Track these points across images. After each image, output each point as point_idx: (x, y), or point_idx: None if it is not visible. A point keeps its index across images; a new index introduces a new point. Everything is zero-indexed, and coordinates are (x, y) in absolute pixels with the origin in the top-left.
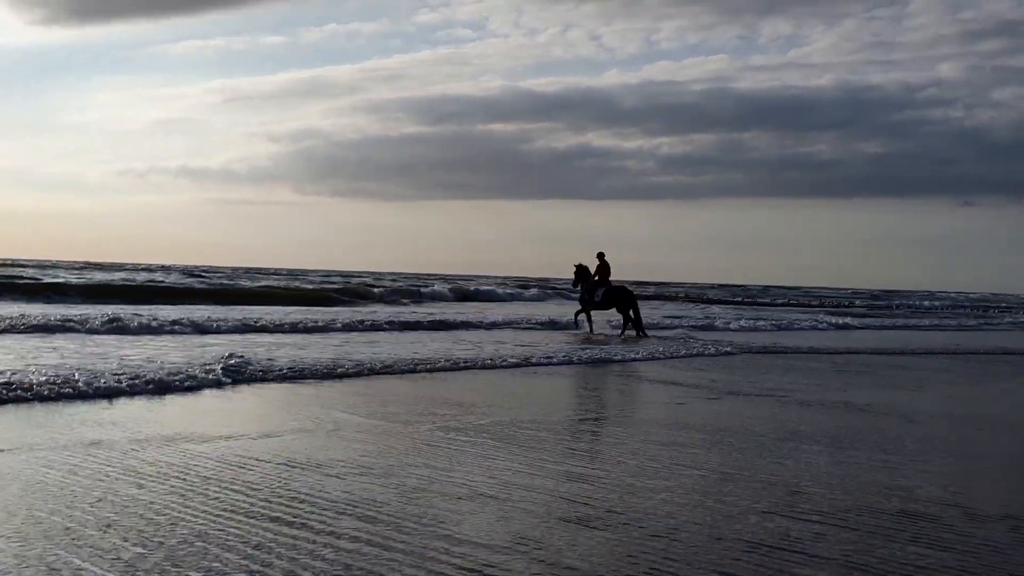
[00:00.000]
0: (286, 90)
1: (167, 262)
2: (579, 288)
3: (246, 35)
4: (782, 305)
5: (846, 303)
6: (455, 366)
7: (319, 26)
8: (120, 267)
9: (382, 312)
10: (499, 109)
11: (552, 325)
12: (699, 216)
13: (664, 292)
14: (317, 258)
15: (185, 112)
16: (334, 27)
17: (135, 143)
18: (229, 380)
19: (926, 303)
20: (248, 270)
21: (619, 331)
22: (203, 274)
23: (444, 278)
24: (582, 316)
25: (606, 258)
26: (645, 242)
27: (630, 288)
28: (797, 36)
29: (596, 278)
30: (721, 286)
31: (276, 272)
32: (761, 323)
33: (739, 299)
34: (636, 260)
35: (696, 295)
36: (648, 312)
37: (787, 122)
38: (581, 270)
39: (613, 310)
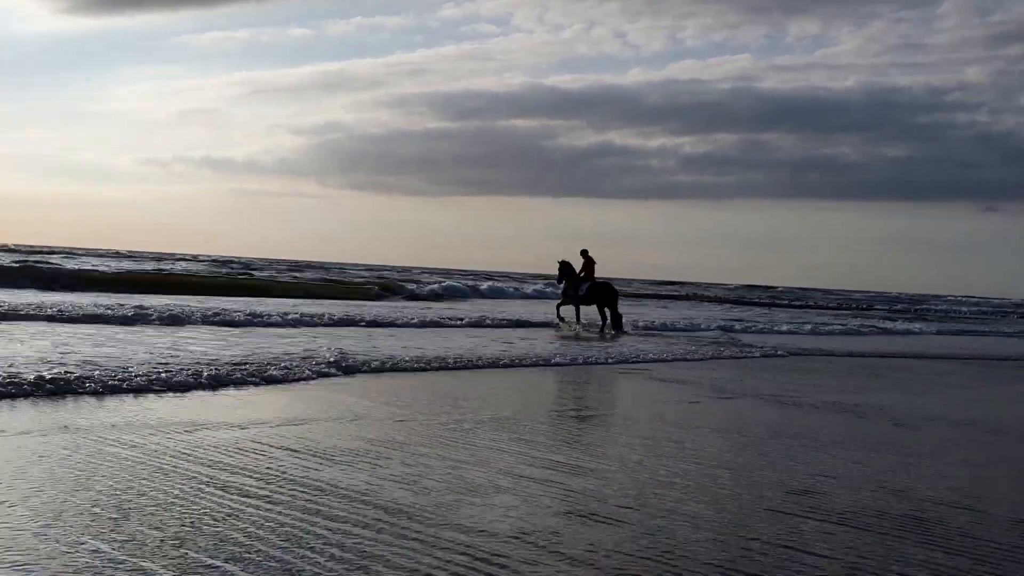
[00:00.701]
0: (310, 83)
1: (190, 252)
2: (563, 284)
3: (271, 27)
4: (814, 308)
5: (881, 307)
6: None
7: (344, 19)
8: (155, 256)
9: (438, 308)
10: (522, 105)
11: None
12: (720, 216)
13: (691, 292)
14: (339, 252)
15: (209, 103)
16: (359, 20)
17: (159, 133)
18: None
19: (963, 308)
20: (272, 262)
21: (599, 328)
22: (238, 266)
23: (471, 273)
24: (564, 311)
25: (590, 254)
26: (665, 241)
27: (613, 285)
28: (824, 36)
29: (582, 274)
30: (742, 287)
31: (306, 265)
32: (808, 326)
33: (766, 301)
34: (655, 259)
35: (724, 296)
36: (681, 313)
37: (811, 123)
38: (565, 266)
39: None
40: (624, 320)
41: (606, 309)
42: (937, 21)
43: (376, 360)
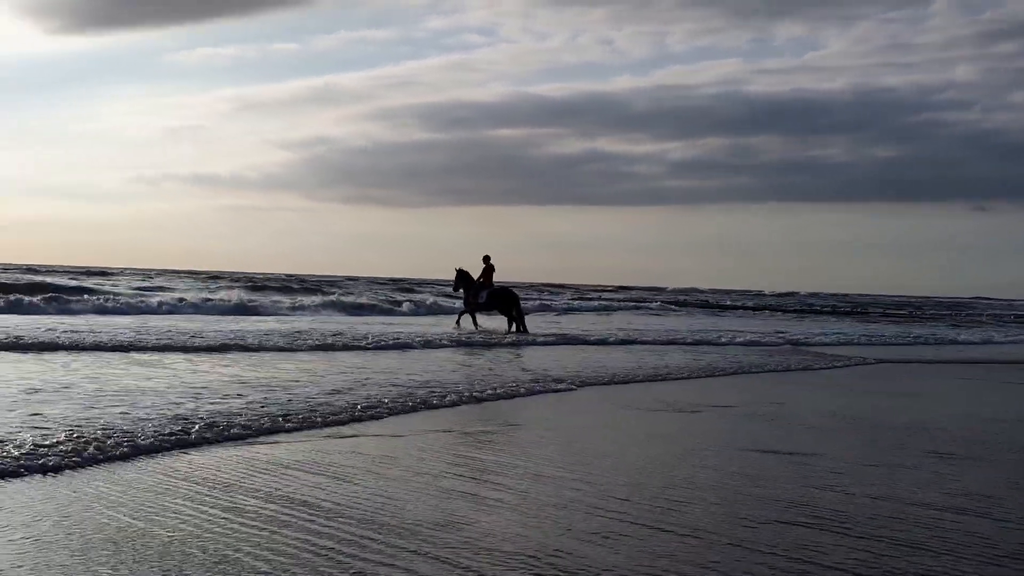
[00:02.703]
0: (297, 97)
1: (181, 267)
2: (460, 291)
3: (257, 43)
4: (829, 313)
5: (896, 310)
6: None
7: (330, 33)
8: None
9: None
10: (508, 115)
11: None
12: (709, 221)
13: (705, 300)
14: (330, 264)
15: (196, 120)
16: (345, 34)
17: (148, 151)
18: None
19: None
20: (267, 276)
21: (505, 332)
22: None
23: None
24: (465, 317)
25: (491, 261)
26: (654, 247)
27: (512, 290)
28: (811, 38)
29: (481, 280)
30: (733, 292)
31: (303, 278)
32: (863, 335)
33: (797, 308)
34: (645, 266)
35: (721, 303)
36: (713, 324)
37: (799, 126)
38: (462, 275)
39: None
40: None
41: (513, 312)
42: (926, 20)
43: None
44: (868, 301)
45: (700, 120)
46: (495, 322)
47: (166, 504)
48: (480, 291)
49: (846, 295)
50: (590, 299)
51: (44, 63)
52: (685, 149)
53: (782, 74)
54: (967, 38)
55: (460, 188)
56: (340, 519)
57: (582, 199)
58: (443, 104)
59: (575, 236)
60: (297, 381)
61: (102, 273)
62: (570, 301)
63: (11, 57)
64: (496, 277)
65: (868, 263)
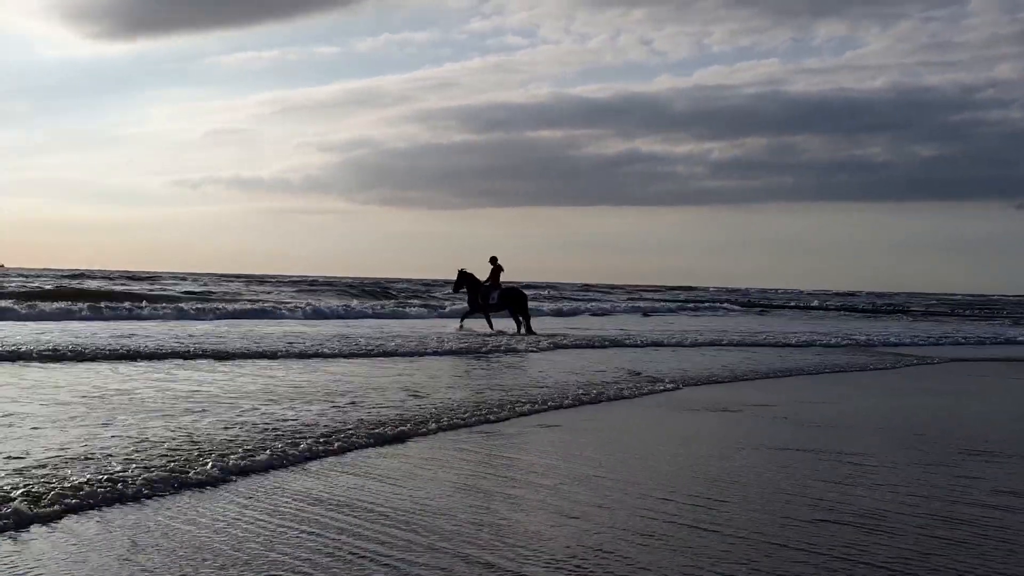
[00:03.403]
0: (338, 100)
1: (224, 271)
2: (462, 292)
3: (299, 46)
4: (883, 313)
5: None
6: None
7: (372, 35)
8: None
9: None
10: (548, 116)
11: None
12: (749, 221)
13: (757, 300)
14: (371, 265)
15: (239, 123)
16: (387, 36)
17: (190, 154)
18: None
19: None
20: (315, 279)
21: (513, 332)
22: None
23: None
24: (469, 321)
25: (499, 262)
26: (694, 247)
27: (522, 290)
28: (852, 38)
29: (488, 282)
30: (773, 291)
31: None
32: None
33: (870, 308)
34: (685, 265)
35: (744, 302)
36: (783, 326)
37: (840, 125)
38: (464, 276)
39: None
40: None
41: (519, 316)
42: (966, 19)
43: None
44: (907, 300)
45: (741, 120)
46: (502, 324)
47: None
48: (491, 292)
49: (893, 293)
50: (640, 299)
51: (86, 68)
52: (725, 149)
53: (823, 73)
54: (1008, 36)
55: (500, 189)
56: (384, 521)
57: (622, 200)
58: (483, 106)
59: (615, 236)
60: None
61: (150, 278)
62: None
63: (53, 62)
64: (532, 278)
65: (908, 261)
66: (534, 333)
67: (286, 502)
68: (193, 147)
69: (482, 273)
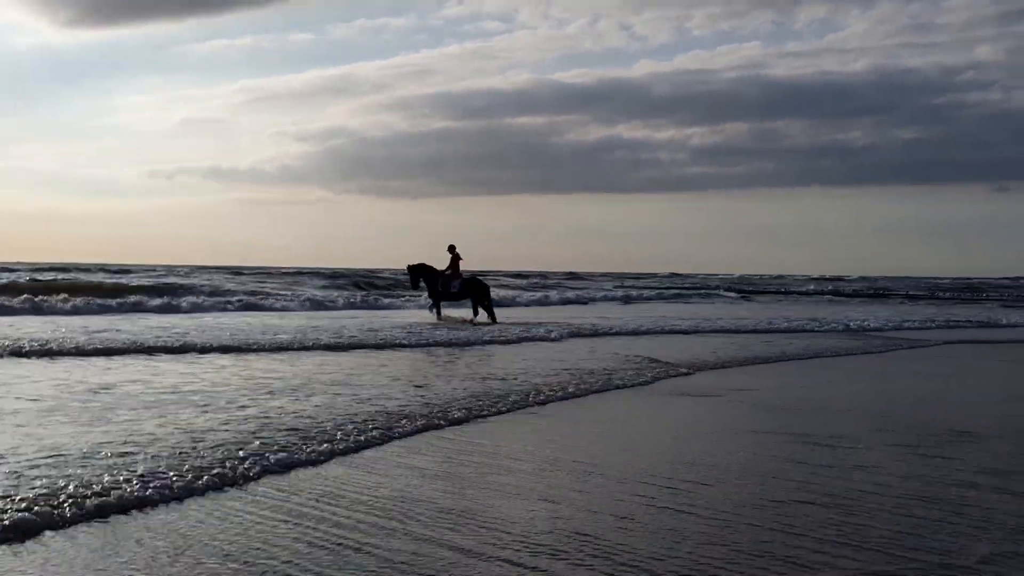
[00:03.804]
0: (315, 88)
1: (201, 263)
2: (420, 286)
3: (274, 33)
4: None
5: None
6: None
7: (347, 22)
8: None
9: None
10: (528, 102)
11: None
12: (732, 208)
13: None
14: (352, 256)
15: (213, 112)
16: (362, 23)
17: (164, 144)
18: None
19: None
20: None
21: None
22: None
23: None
24: (434, 307)
25: (457, 250)
26: (676, 234)
27: (482, 279)
28: (832, 20)
29: (448, 271)
30: (757, 277)
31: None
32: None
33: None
34: (666, 252)
35: (733, 288)
36: (786, 311)
37: (821, 109)
38: (418, 270)
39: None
40: None
41: (486, 302)
42: (947, 0)
43: None
44: (890, 284)
45: (722, 105)
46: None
47: None
48: (451, 281)
49: (876, 277)
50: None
51: (57, 56)
52: (707, 135)
53: (804, 57)
54: (988, 18)
55: (481, 177)
56: (362, 509)
57: (604, 186)
58: (462, 92)
59: (596, 224)
60: None
61: (123, 271)
62: (627, 290)
63: (23, 49)
64: (522, 266)
65: (891, 245)
66: (496, 322)
67: (266, 491)
68: (167, 137)
69: (439, 263)
